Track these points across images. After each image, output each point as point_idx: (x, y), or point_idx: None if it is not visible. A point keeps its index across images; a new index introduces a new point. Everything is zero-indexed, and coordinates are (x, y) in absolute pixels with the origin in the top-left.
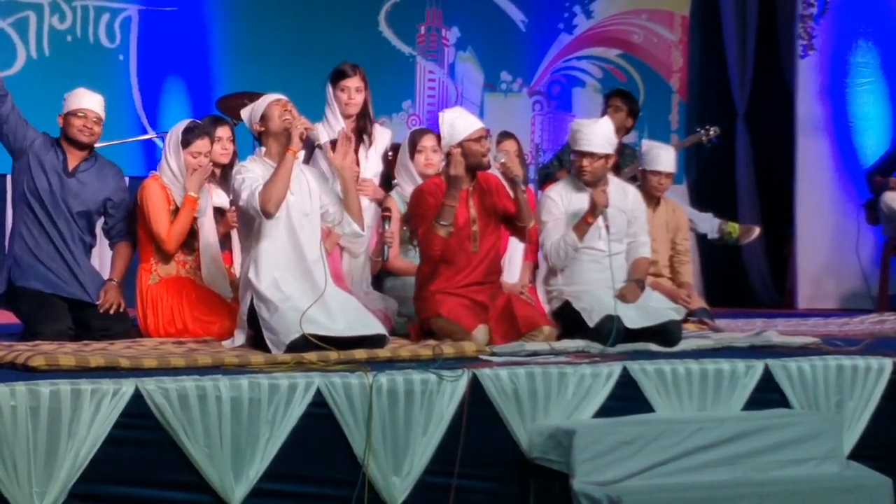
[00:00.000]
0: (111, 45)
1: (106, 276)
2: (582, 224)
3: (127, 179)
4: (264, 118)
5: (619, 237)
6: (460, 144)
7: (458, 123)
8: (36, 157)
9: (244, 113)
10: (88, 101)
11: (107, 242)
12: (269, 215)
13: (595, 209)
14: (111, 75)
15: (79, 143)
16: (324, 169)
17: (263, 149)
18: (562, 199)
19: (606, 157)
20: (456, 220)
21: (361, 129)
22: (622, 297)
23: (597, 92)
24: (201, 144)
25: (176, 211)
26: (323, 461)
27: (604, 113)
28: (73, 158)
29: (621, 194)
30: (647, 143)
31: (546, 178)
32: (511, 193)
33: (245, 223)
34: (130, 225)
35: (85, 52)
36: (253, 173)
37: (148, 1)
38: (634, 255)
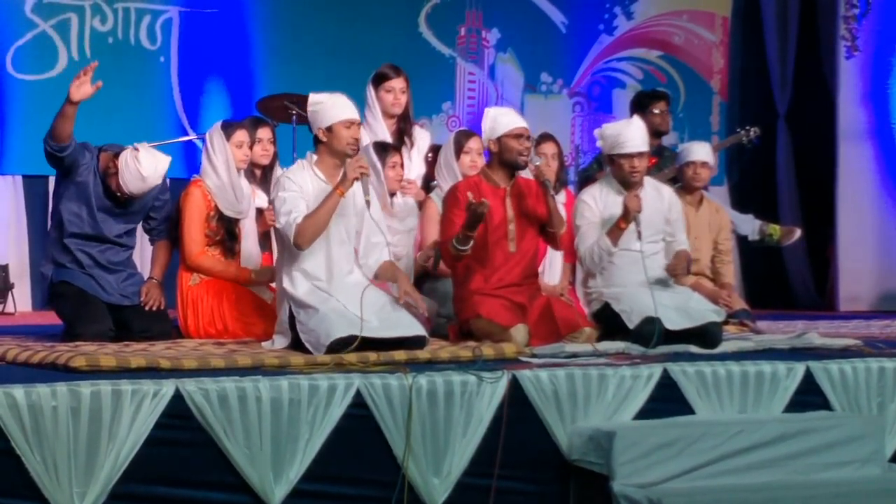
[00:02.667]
0: (152, 47)
1: (145, 271)
2: (615, 229)
3: (168, 180)
4: (331, 131)
5: (655, 238)
6: (499, 140)
7: (501, 119)
8: (83, 186)
9: (313, 102)
10: (141, 189)
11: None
12: (300, 249)
13: (627, 214)
14: (152, 77)
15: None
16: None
17: (315, 157)
18: (596, 203)
19: (649, 155)
20: (492, 219)
21: (402, 131)
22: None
23: None
24: (241, 134)
25: (216, 217)
26: (362, 462)
27: (642, 116)
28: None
29: (656, 195)
30: (682, 145)
31: (585, 180)
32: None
33: (281, 238)
34: (171, 224)
35: (126, 54)
36: (294, 192)
37: (189, 3)
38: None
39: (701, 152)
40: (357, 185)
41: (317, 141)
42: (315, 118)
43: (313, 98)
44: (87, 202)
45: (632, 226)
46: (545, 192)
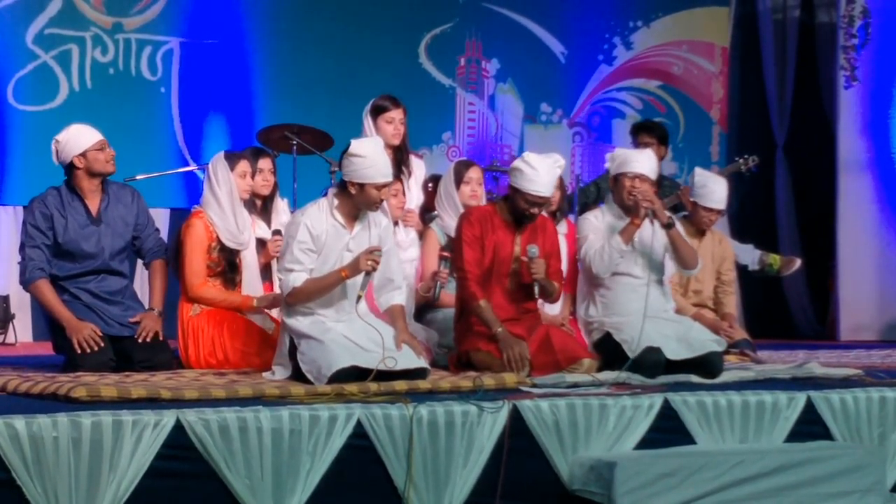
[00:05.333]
0: (153, 78)
1: (145, 297)
2: (629, 227)
3: (168, 211)
4: (362, 189)
5: (657, 268)
6: (514, 189)
7: (529, 176)
8: (58, 226)
9: (353, 153)
10: (94, 132)
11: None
12: (290, 306)
13: (640, 211)
14: (153, 108)
15: (104, 174)
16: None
17: (336, 200)
18: (598, 221)
19: (651, 183)
20: (498, 254)
21: (400, 161)
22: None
23: None
24: (244, 164)
25: (217, 248)
26: (363, 492)
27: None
28: (92, 200)
29: (653, 227)
30: (700, 175)
31: (585, 206)
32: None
33: None
34: (161, 241)
35: (127, 85)
36: (304, 243)
37: (189, 34)
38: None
39: (720, 198)
40: (373, 226)
41: (344, 185)
42: (349, 168)
43: (355, 148)
44: (65, 251)
45: (646, 223)
46: (542, 289)
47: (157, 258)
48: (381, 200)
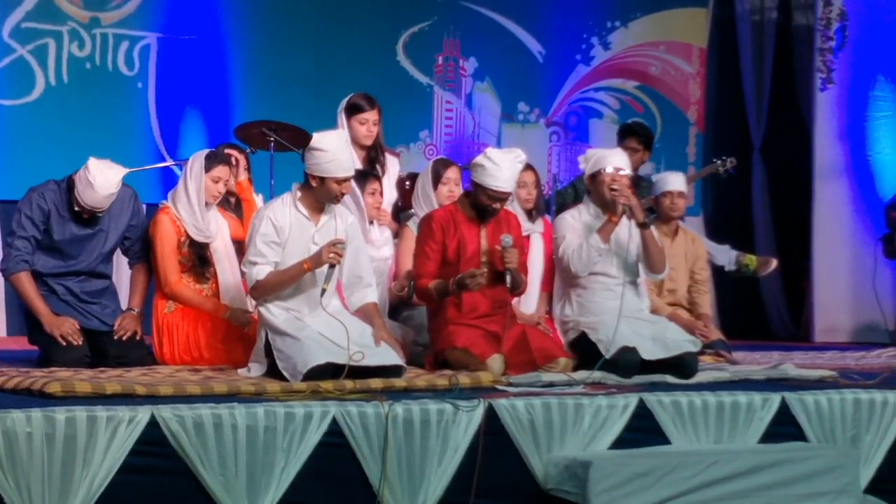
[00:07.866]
0: (130, 73)
1: (123, 293)
2: (608, 225)
3: (144, 206)
4: (322, 183)
5: (632, 268)
6: (476, 185)
7: (490, 171)
8: (54, 224)
9: (314, 146)
10: (103, 196)
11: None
12: (254, 300)
13: (617, 208)
14: (129, 103)
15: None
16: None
17: (299, 192)
18: (574, 219)
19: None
20: (465, 250)
21: (374, 160)
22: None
23: (614, 123)
24: (222, 170)
25: (187, 243)
26: (338, 490)
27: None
28: None
29: (629, 227)
30: (656, 176)
31: (562, 207)
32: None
33: None
34: (145, 248)
35: (104, 80)
36: (267, 235)
37: (167, 29)
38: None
39: (677, 182)
40: (339, 220)
41: (307, 178)
42: (311, 161)
43: (317, 142)
44: (55, 247)
45: (624, 221)
46: (511, 279)
47: (142, 261)
48: (343, 194)
